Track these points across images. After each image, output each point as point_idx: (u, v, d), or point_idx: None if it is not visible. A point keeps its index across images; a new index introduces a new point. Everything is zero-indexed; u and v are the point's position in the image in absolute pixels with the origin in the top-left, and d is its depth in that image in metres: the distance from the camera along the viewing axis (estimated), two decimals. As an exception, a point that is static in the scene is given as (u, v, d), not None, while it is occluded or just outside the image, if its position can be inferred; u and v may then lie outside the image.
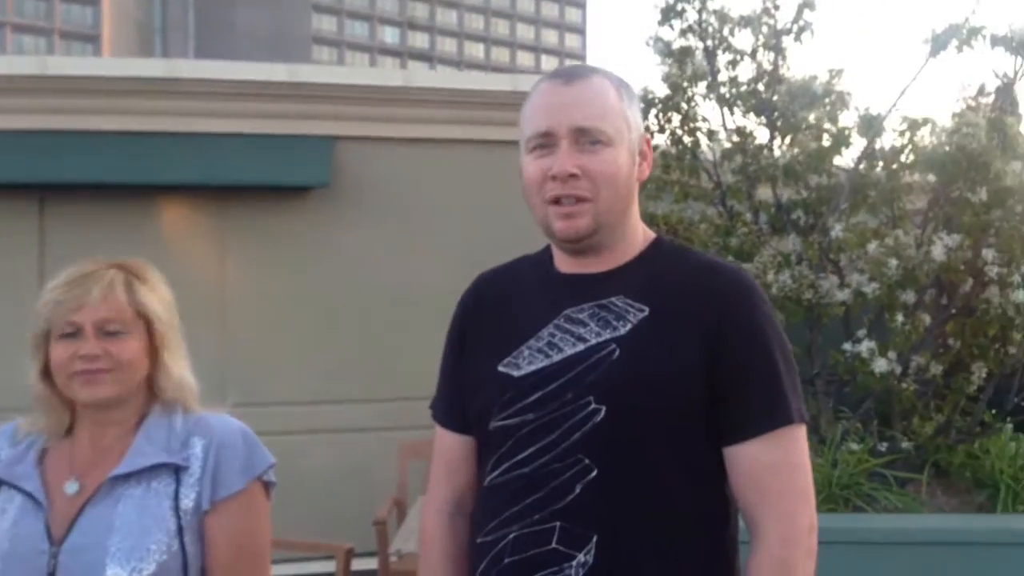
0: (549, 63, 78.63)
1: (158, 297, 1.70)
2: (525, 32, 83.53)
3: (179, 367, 1.70)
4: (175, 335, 1.71)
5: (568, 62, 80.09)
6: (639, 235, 1.63)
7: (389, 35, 76.93)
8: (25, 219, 5.70)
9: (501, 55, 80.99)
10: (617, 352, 1.50)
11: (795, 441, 1.51)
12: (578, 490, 1.47)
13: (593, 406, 1.48)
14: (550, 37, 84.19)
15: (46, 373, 1.64)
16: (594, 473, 1.47)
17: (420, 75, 6.46)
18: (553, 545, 1.47)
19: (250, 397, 5.91)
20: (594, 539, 1.46)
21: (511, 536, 1.51)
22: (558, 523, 1.47)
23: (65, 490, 1.61)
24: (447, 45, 78.95)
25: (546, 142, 1.54)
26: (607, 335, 1.51)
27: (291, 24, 45.09)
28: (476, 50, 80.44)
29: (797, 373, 1.57)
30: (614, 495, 1.47)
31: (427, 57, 74.51)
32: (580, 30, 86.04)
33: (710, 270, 1.58)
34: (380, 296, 6.09)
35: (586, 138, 1.52)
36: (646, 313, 1.52)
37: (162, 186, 5.81)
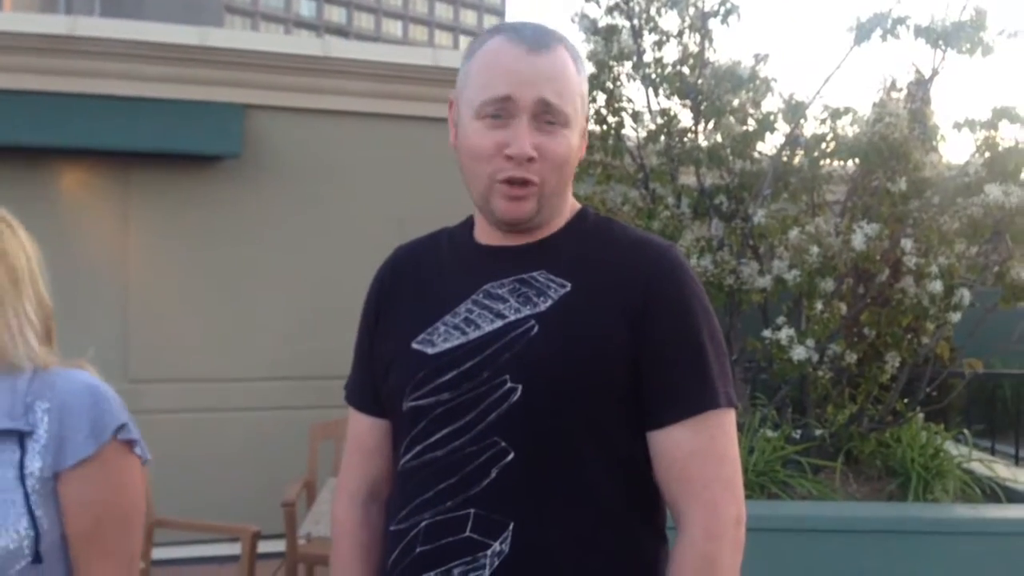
0: (466, 43, 78.35)
1: None
2: (443, 11, 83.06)
3: (8, 325, 1.53)
4: (6, 292, 1.53)
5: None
6: (565, 206, 1.55)
7: (305, 7, 75.61)
8: (-90, 180, 5.37)
9: (419, 33, 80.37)
10: (536, 329, 1.41)
11: (721, 427, 1.43)
12: (494, 474, 1.38)
13: (509, 385, 1.39)
14: (468, 18, 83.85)
15: None
16: (511, 456, 1.38)
17: (338, 45, 6.27)
18: (467, 533, 1.38)
19: (154, 373, 5.68)
20: (510, 527, 1.37)
21: (423, 524, 1.42)
22: (472, 510, 1.39)
23: None
24: (364, 20, 78.01)
25: (503, 111, 1.42)
26: (527, 311, 1.43)
27: (203, -9, 43.86)
28: (393, 27, 79.66)
29: (727, 355, 1.50)
30: (531, 480, 1.38)
31: (343, 32, 73.46)
32: (499, 12, 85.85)
33: (637, 245, 1.50)
34: (290, 271, 5.92)
35: (546, 116, 1.42)
36: (568, 289, 1.44)
37: (60, 149, 5.53)
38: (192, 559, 5.24)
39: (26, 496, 1.45)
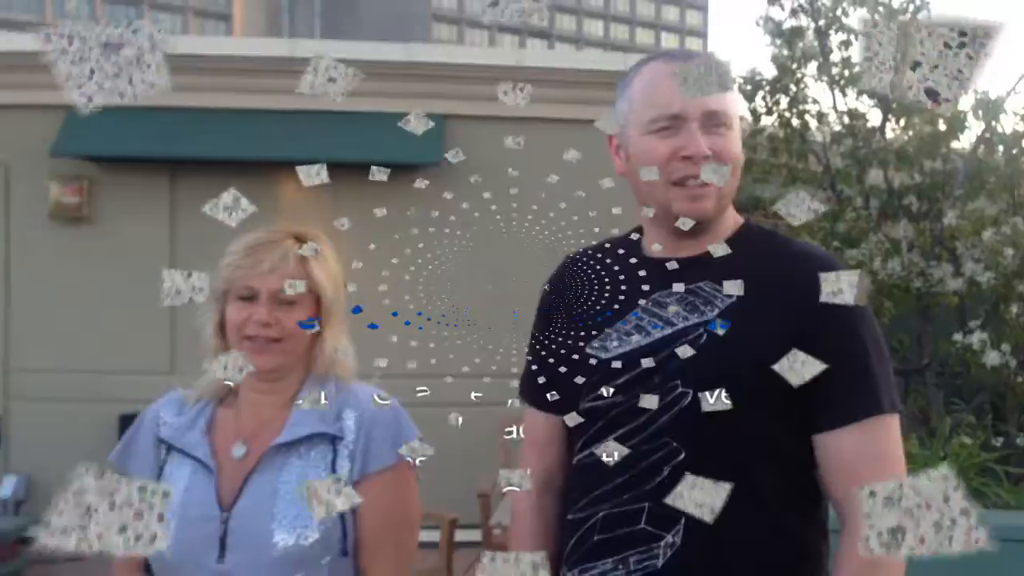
0: (669, 41, 77.53)
1: (327, 270, 1.75)
2: (645, 9, 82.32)
3: (336, 340, 1.75)
4: (339, 309, 1.76)
5: (689, 41, 78.75)
6: (730, 218, 1.64)
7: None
8: (156, 192, 6.00)
9: (620, 32, 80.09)
10: (705, 336, 1.50)
11: (886, 430, 1.48)
12: (666, 472, 1.48)
13: (680, 390, 1.49)
14: (670, 14, 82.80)
15: (220, 329, 1.72)
16: (682, 456, 1.48)
17: (533, 55, 6.48)
18: (642, 525, 1.49)
19: (362, 368, 6.06)
20: (682, 520, 1.46)
21: (601, 515, 1.53)
22: (647, 504, 1.49)
23: (233, 453, 1.69)
24: (566, 23, 78.49)
25: (674, 124, 1.54)
26: (695, 319, 1.52)
27: (412, 2, 45.63)
28: (595, 28, 79.72)
29: (889, 361, 1.55)
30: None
31: (545, 34, 74.25)
32: (702, 7, 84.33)
33: (800, 256, 1.57)
34: (483, 274, 6.15)
35: (713, 121, 1.53)
36: (734, 298, 1.51)
37: (280, 162, 5.99)
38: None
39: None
